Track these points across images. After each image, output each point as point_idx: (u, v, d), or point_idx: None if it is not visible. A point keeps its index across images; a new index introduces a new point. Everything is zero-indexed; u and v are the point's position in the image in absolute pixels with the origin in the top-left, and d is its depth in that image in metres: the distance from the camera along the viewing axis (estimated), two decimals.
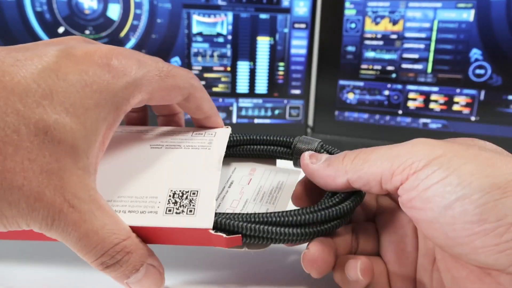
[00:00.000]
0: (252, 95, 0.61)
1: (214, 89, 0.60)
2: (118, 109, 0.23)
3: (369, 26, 0.57)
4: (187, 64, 0.59)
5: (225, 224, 0.25)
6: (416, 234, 0.26)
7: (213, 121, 0.32)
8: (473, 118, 0.55)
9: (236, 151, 0.33)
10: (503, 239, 0.19)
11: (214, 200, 0.26)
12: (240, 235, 0.25)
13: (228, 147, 0.32)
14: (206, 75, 0.60)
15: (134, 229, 0.24)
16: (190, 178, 0.27)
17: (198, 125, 0.32)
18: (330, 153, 0.29)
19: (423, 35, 0.55)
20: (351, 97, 0.60)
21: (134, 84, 0.24)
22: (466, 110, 0.55)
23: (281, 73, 0.61)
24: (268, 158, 0.33)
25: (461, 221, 0.20)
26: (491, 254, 0.20)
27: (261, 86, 0.61)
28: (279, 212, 0.26)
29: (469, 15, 0.53)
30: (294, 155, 0.30)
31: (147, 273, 0.24)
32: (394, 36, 0.56)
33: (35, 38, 0.56)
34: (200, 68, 0.59)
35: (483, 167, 0.21)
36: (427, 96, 0.57)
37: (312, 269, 0.26)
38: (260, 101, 0.62)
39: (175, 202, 0.25)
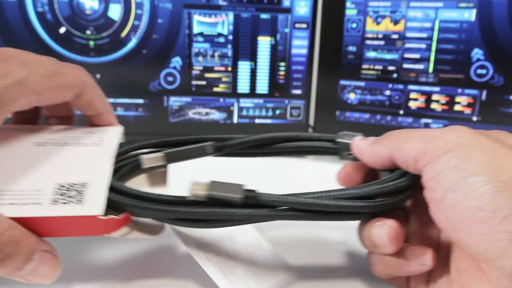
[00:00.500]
0: (253, 95, 0.61)
1: (215, 89, 0.60)
2: (0, 109, 0.23)
3: (370, 26, 0.57)
4: (188, 64, 0.59)
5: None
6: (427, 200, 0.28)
7: (105, 118, 0.32)
8: (474, 118, 0.55)
9: (280, 148, 0.34)
10: (495, 230, 0.20)
11: (106, 190, 0.25)
12: (129, 212, 0.25)
13: (271, 144, 0.34)
14: (207, 75, 0.60)
15: (18, 220, 0.23)
16: (79, 172, 0.26)
17: (91, 123, 0.32)
18: None
19: (424, 35, 0.55)
20: (352, 97, 0.60)
21: (19, 84, 0.24)
22: (467, 110, 0.55)
23: (282, 73, 0.61)
24: (312, 154, 0.34)
25: (461, 206, 0.22)
26: (482, 242, 0.21)
27: (262, 86, 0.61)
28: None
29: (471, 15, 0.53)
30: (339, 149, 0.32)
31: (42, 259, 0.23)
32: (395, 36, 0.56)
33: (37, 38, 0.56)
34: (201, 68, 0.59)
35: (494, 159, 0.22)
36: (428, 96, 0.57)
37: (395, 243, 0.26)
38: (261, 101, 0.61)
39: (62, 194, 0.25)
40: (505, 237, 0.20)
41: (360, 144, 0.29)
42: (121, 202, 0.26)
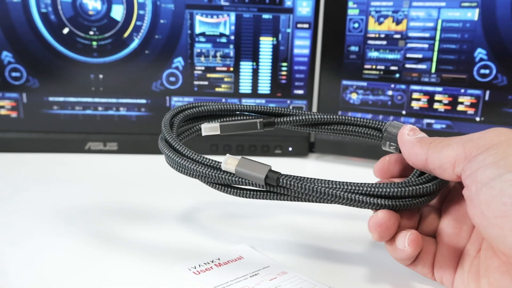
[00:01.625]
0: (255, 95, 0.61)
1: (217, 89, 0.61)
2: None
3: (372, 25, 0.57)
4: (190, 64, 0.59)
5: None
6: (473, 225, 0.28)
7: None
8: (477, 119, 0.54)
9: (326, 129, 0.35)
10: None
11: None
12: None
13: (318, 124, 0.35)
14: (209, 75, 0.60)
15: None
16: None
17: None
18: None
19: (427, 34, 0.55)
20: (354, 97, 0.60)
21: None
22: (470, 111, 0.55)
23: (284, 73, 0.61)
24: (357, 137, 0.35)
25: (497, 201, 0.22)
26: None
27: (264, 86, 0.61)
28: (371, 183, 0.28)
29: (474, 14, 0.52)
30: (384, 138, 0.33)
31: None
32: (397, 36, 0.56)
33: (40, 38, 0.56)
34: (203, 68, 0.60)
35: None
36: (431, 96, 0.56)
37: (375, 231, 0.28)
38: (263, 101, 0.61)
39: None
40: None
41: (405, 136, 0.29)
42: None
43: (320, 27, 0.59)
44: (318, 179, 0.28)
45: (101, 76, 0.59)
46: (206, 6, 0.57)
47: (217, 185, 0.31)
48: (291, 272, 0.31)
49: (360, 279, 0.31)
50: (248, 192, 0.30)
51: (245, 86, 0.61)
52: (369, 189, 0.28)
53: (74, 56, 0.57)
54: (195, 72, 0.60)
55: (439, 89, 0.56)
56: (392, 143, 0.32)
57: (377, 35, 0.57)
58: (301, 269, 0.31)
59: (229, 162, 0.29)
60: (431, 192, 0.28)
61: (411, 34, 0.55)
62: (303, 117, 0.35)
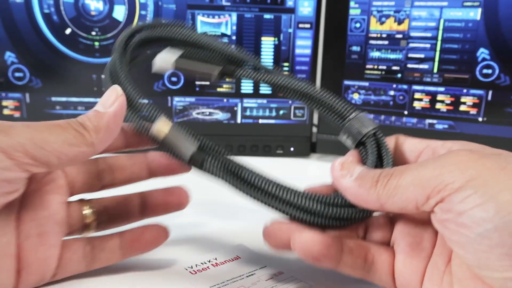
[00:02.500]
0: (256, 96, 0.61)
1: (219, 89, 0.61)
2: None
3: (374, 25, 0.57)
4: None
5: None
6: (436, 232, 0.26)
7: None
8: (480, 119, 0.54)
9: (290, 95, 0.31)
10: None
11: None
12: None
13: (284, 89, 0.31)
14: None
15: None
16: None
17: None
18: (378, 145, 0.29)
19: (429, 34, 0.54)
20: (356, 97, 0.59)
21: None
22: (473, 111, 0.54)
23: (285, 73, 0.60)
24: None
25: (498, 252, 0.20)
26: None
27: (266, 86, 0.61)
28: (295, 190, 0.27)
29: (476, 14, 0.52)
30: (345, 128, 0.30)
31: None
32: (399, 36, 0.56)
33: (43, 39, 0.57)
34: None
35: None
36: (433, 96, 0.56)
37: (267, 240, 0.27)
38: (264, 101, 0.61)
39: None
40: None
41: (340, 179, 0.26)
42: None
43: (321, 27, 0.59)
44: (249, 171, 0.26)
45: (103, 76, 0.59)
46: (208, 6, 0.57)
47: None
48: (287, 273, 0.31)
49: (356, 280, 0.31)
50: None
51: (247, 86, 0.61)
52: (293, 198, 0.26)
53: (76, 56, 0.58)
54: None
55: (441, 89, 0.55)
56: (349, 138, 0.30)
57: (379, 35, 0.57)
58: (298, 270, 0.31)
59: (160, 125, 0.26)
60: (350, 218, 0.26)
61: (413, 34, 0.55)
62: (265, 77, 0.31)
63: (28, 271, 0.25)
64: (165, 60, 0.31)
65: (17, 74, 0.58)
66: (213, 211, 0.43)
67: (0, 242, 0.24)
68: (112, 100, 0.26)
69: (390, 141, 0.30)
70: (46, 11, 0.56)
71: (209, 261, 0.32)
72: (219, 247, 0.35)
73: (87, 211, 0.30)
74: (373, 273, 0.26)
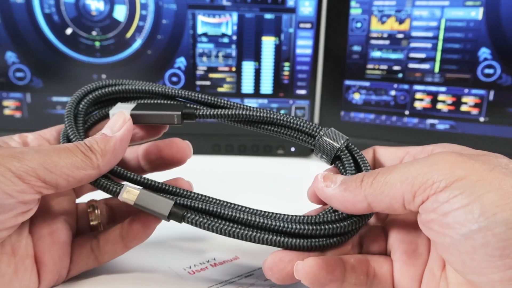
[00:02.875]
0: (257, 95, 0.61)
1: (219, 89, 0.61)
2: None
3: (375, 25, 0.56)
4: (192, 64, 0.59)
5: None
6: (429, 240, 0.26)
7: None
8: (482, 119, 0.54)
9: (255, 128, 0.30)
10: None
11: None
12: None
13: (248, 122, 0.30)
14: (211, 75, 0.60)
15: None
16: None
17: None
18: (353, 156, 0.29)
19: (430, 34, 0.54)
20: (357, 97, 0.59)
21: None
22: (474, 111, 0.54)
23: (286, 73, 0.60)
24: (292, 140, 0.31)
25: (482, 253, 0.20)
26: (505, 286, 0.19)
27: (266, 86, 0.61)
28: (284, 215, 0.26)
29: (478, 13, 0.52)
30: (317, 146, 0.29)
31: None
32: (400, 36, 0.56)
33: (44, 39, 0.57)
34: (205, 68, 0.60)
35: (508, 197, 0.20)
36: (434, 96, 0.56)
37: (269, 276, 0.25)
38: (265, 101, 0.61)
39: None
40: None
41: (325, 189, 0.25)
42: None
43: (322, 27, 0.59)
44: (228, 214, 0.26)
45: (104, 76, 0.59)
46: (208, 6, 0.57)
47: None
48: None
49: None
50: None
51: (247, 86, 0.61)
52: (282, 226, 0.25)
53: (77, 56, 0.58)
54: (197, 72, 0.60)
55: (443, 89, 0.55)
56: (323, 156, 0.29)
57: (380, 35, 0.56)
58: None
59: (126, 195, 0.26)
60: (344, 232, 0.26)
61: (414, 33, 0.55)
62: (228, 112, 0.29)
63: (46, 270, 0.27)
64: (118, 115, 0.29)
65: (18, 74, 0.58)
66: None
67: (20, 244, 0.25)
68: (120, 124, 0.27)
69: (368, 153, 0.30)
70: (47, 11, 0.56)
71: (208, 261, 0.32)
72: (218, 247, 0.34)
73: (94, 213, 0.31)
74: (375, 286, 0.26)
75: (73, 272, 0.29)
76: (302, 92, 0.61)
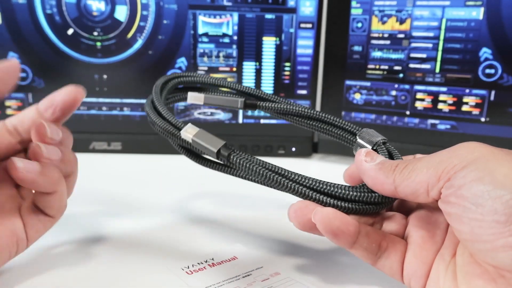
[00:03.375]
0: None
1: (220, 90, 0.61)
2: None
3: (376, 25, 0.56)
4: (193, 64, 0.59)
5: None
6: (447, 229, 0.27)
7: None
8: (483, 119, 0.54)
9: (305, 123, 0.36)
10: None
11: None
12: None
13: (293, 114, 0.35)
14: (212, 75, 0.60)
15: None
16: None
17: None
18: (390, 153, 0.31)
19: (431, 34, 0.54)
20: (357, 97, 0.59)
21: None
22: (475, 111, 0.54)
23: (287, 73, 0.60)
24: (332, 137, 0.35)
25: (489, 219, 0.21)
26: (510, 254, 0.21)
27: (267, 86, 0.61)
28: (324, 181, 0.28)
29: (479, 13, 0.51)
30: (356, 143, 0.33)
31: None
32: (401, 35, 0.55)
33: (45, 39, 0.57)
34: (206, 68, 0.60)
35: None
36: (435, 96, 0.55)
37: (292, 218, 0.28)
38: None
39: None
40: None
41: (364, 164, 0.28)
42: None
43: (323, 27, 0.59)
44: (270, 164, 0.28)
45: (105, 76, 0.59)
46: (209, 6, 0.57)
47: (180, 147, 0.33)
48: (284, 273, 0.31)
49: (353, 282, 0.31)
50: (204, 161, 0.34)
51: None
52: (315, 184, 0.28)
53: (78, 56, 0.58)
54: (198, 72, 0.60)
55: (444, 89, 0.55)
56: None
57: (380, 35, 0.56)
58: (295, 271, 0.31)
59: (188, 131, 0.30)
60: (378, 202, 0.28)
61: (415, 33, 0.55)
62: (285, 106, 0.35)
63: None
64: (195, 98, 0.38)
65: (20, 74, 0.58)
66: (212, 211, 0.43)
67: None
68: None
69: (407, 158, 0.32)
70: (49, 11, 0.56)
71: (206, 261, 0.32)
72: (216, 247, 0.35)
73: None
74: (383, 260, 0.27)
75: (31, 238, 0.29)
76: (303, 92, 0.61)
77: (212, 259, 0.33)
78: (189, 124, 0.30)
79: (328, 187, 0.28)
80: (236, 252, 0.34)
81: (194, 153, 0.34)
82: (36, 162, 0.27)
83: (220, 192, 0.47)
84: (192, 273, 0.31)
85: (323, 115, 0.35)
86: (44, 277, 0.30)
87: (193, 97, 0.38)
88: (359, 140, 0.33)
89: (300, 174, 0.28)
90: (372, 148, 0.32)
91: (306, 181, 0.28)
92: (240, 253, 0.34)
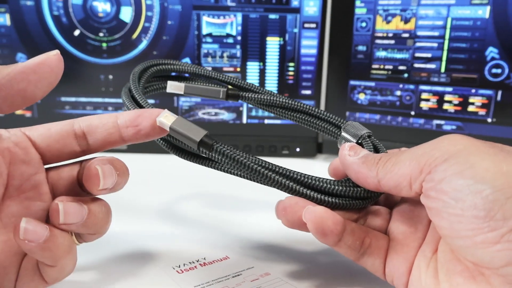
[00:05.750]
0: None
1: None
2: None
3: (380, 25, 0.56)
4: (197, 65, 0.60)
5: None
6: (429, 224, 0.27)
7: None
8: (489, 120, 0.53)
9: (289, 115, 0.35)
10: (504, 238, 0.20)
11: None
12: None
13: (276, 106, 0.35)
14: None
15: None
16: None
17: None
18: (375, 147, 0.31)
19: (436, 33, 0.53)
20: (362, 97, 0.59)
21: None
22: (482, 111, 0.53)
23: (291, 73, 0.60)
24: (317, 130, 0.35)
25: (469, 214, 0.21)
26: (489, 251, 0.20)
27: (271, 86, 0.61)
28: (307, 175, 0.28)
29: (485, 12, 0.50)
30: (341, 137, 0.33)
31: None
32: (406, 35, 0.55)
33: (53, 40, 0.58)
34: (210, 69, 0.60)
35: (500, 164, 0.21)
36: (440, 96, 0.55)
37: (281, 215, 0.27)
38: None
39: None
40: None
41: (347, 158, 0.27)
42: None
43: (327, 27, 0.59)
44: (254, 157, 0.27)
45: (110, 76, 0.60)
46: (213, 7, 0.58)
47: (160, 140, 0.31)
48: (274, 274, 0.31)
49: (341, 283, 0.30)
50: (182, 153, 0.32)
51: None
52: (301, 178, 0.27)
53: (84, 57, 0.59)
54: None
55: (449, 89, 0.54)
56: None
57: (385, 34, 0.56)
58: (285, 272, 0.31)
59: (165, 119, 0.26)
60: (363, 196, 0.28)
61: (419, 33, 0.54)
62: (267, 97, 0.34)
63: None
64: (175, 87, 0.36)
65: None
66: (206, 210, 0.43)
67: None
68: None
69: None
70: (56, 13, 0.57)
71: (198, 261, 0.32)
72: (209, 246, 0.35)
73: None
74: (367, 257, 0.27)
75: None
76: (307, 92, 0.61)
77: (204, 258, 0.33)
78: (166, 111, 0.27)
79: (314, 181, 0.27)
80: (229, 252, 0.34)
81: (173, 144, 0.31)
82: (45, 227, 0.23)
83: (215, 192, 0.48)
84: (183, 272, 0.31)
85: (307, 106, 0.34)
86: None
87: (173, 86, 0.36)
88: (343, 134, 0.32)
89: (285, 168, 0.27)
90: (357, 142, 0.31)
91: (291, 174, 0.27)
92: (233, 253, 0.34)
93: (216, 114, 0.62)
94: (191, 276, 0.30)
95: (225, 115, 0.62)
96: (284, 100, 0.34)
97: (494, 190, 0.20)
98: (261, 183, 0.28)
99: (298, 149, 0.62)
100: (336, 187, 0.27)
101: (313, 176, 0.27)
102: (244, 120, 0.62)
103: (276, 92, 0.61)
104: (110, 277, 0.30)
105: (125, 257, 0.33)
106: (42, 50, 0.58)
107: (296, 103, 0.34)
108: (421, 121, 0.56)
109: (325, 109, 0.61)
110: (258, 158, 0.27)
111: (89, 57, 0.59)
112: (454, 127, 0.55)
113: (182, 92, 0.36)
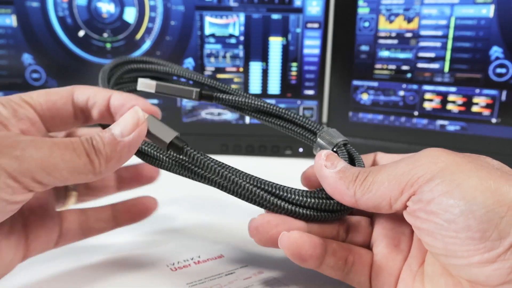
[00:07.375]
0: (264, 96, 0.61)
1: None
2: None
3: (383, 24, 0.55)
4: (200, 65, 0.60)
5: None
6: (412, 236, 0.26)
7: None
8: (494, 120, 0.52)
9: (264, 120, 0.34)
10: (500, 258, 0.20)
11: None
12: None
13: (255, 110, 0.34)
14: (219, 76, 0.60)
15: None
16: None
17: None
18: (351, 156, 0.30)
19: (439, 33, 0.53)
20: (365, 97, 0.58)
21: None
22: (486, 112, 0.52)
23: (294, 73, 0.60)
24: (293, 136, 0.34)
25: (463, 236, 0.20)
26: (485, 270, 0.20)
27: (274, 86, 0.61)
28: (274, 183, 0.27)
29: (489, 11, 0.50)
30: (316, 144, 0.32)
31: None
32: (409, 35, 0.54)
33: (58, 41, 0.59)
34: (213, 69, 0.60)
35: (487, 182, 0.21)
36: (444, 96, 0.54)
37: (253, 235, 0.26)
38: (273, 101, 0.61)
39: None
40: (510, 265, 0.19)
41: (323, 168, 0.26)
42: None
43: (330, 27, 0.59)
44: (225, 164, 0.26)
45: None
46: (216, 7, 0.58)
47: None
48: (267, 273, 0.31)
49: (333, 284, 0.30)
50: (147, 157, 0.28)
51: (255, 86, 0.61)
52: (273, 189, 0.26)
53: (89, 57, 0.60)
54: (205, 72, 0.60)
55: (453, 89, 0.53)
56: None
57: (388, 34, 0.55)
58: (279, 270, 0.31)
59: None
60: (337, 210, 0.26)
61: (423, 32, 0.53)
62: (241, 99, 0.33)
63: (33, 240, 0.27)
64: (146, 85, 0.33)
65: (34, 75, 0.60)
66: (201, 209, 0.43)
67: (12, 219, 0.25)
68: (131, 127, 0.24)
69: (368, 158, 0.31)
70: (61, 14, 0.58)
71: (192, 259, 0.32)
72: (203, 245, 0.35)
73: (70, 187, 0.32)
74: (352, 275, 0.26)
75: (60, 244, 0.30)
76: (310, 92, 0.61)
77: (199, 256, 0.33)
78: (137, 108, 0.25)
79: (286, 193, 0.26)
80: (223, 250, 0.34)
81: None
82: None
83: (210, 191, 0.48)
84: (176, 269, 0.31)
85: (282, 111, 0.33)
86: (26, 275, 0.30)
87: (144, 84, 0.33)
88: (319, 140, 0.31)
89: (258, 177, 0.26)
90: (332, 150, 0.30)
91: (263, 185, 0.26)
92: (227, 251, 0.34)
93: (219, 114, 0.62)
94: (184, 273, 0.30)
95: (228, 115, 0.62)
96: (258, 103, 0.33)
97: (487, 210, 0.20)
98: (230, 193, 0.26)
99: (301, 150, 0.62)
100: (309, 200, 0.26)
101: (285, 187, 0.26)
102: (247, 121, 0.62)
103: (279, 92, 0.61)
104: (104, 275, 0.30)
105: (119, 255, 0.33)
106: (47, 51, 0.59)
107: (271, 107, 0.33)
108: (425, 121, 0.56)
109: (328, 109, 0.61)
110: (228, 165, 0.26)
111: (93, 57, 0.60)
112: (458, 127, 0.54)
113: (153, 91, 0.34)
